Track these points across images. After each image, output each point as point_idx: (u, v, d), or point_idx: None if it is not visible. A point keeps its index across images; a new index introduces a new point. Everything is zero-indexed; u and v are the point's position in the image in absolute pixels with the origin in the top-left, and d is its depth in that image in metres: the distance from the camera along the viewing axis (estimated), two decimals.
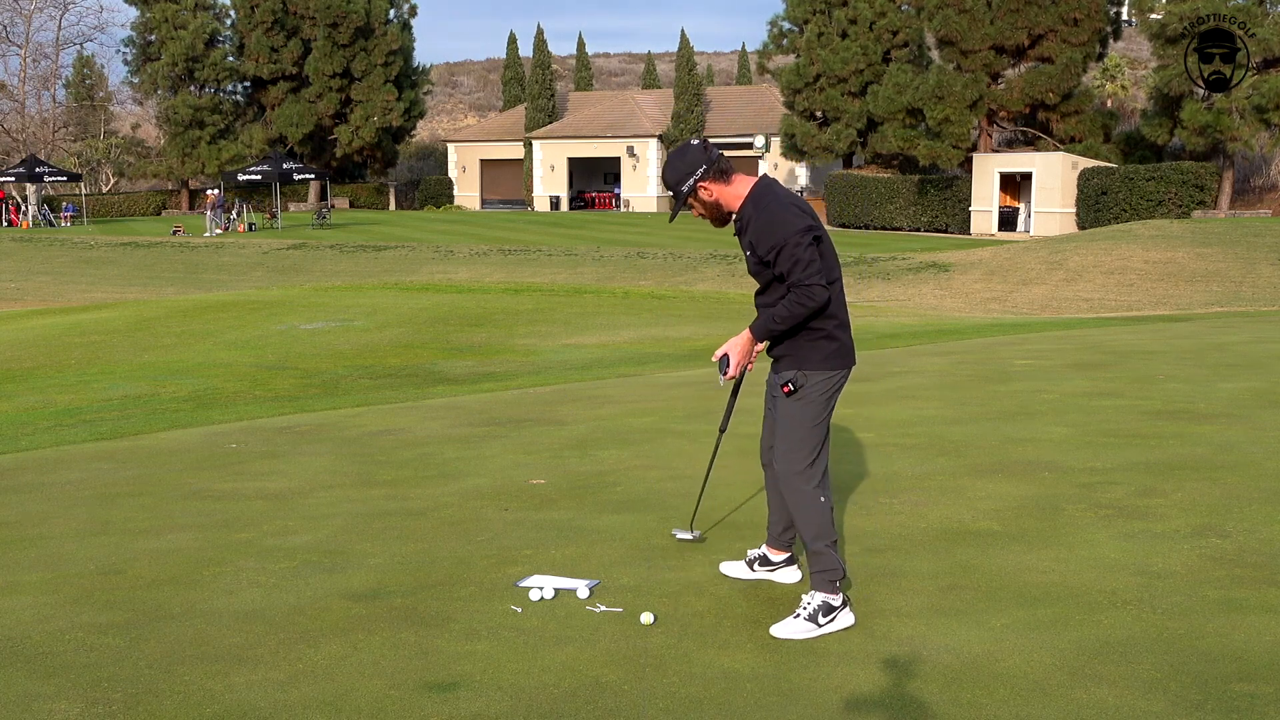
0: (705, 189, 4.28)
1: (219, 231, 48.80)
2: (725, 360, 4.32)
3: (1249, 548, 4.75)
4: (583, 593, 4.46)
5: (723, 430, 4.83)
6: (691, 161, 4.27)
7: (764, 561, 4.62)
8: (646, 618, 4.16)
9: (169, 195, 66.04)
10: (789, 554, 4.63)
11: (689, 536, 5.13)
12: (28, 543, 5.58)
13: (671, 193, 4.32)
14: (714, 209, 4.33)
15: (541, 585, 4.54)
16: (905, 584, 4.48)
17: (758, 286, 4.40)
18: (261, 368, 15.07)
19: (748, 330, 4.28)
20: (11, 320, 22.44)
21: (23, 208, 55.86)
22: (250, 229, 50.49)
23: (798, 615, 4.12)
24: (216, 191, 52.01)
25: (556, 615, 4.28)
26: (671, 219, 4.52)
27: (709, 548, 5.04)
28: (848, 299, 4.44)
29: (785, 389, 4.25)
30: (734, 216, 4.35)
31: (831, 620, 4.10)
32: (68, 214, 56.06)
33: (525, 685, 3.67)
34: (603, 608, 4.32)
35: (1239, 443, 6.72)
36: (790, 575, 4.62)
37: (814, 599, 4.13)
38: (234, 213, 51.85)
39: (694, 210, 4.39)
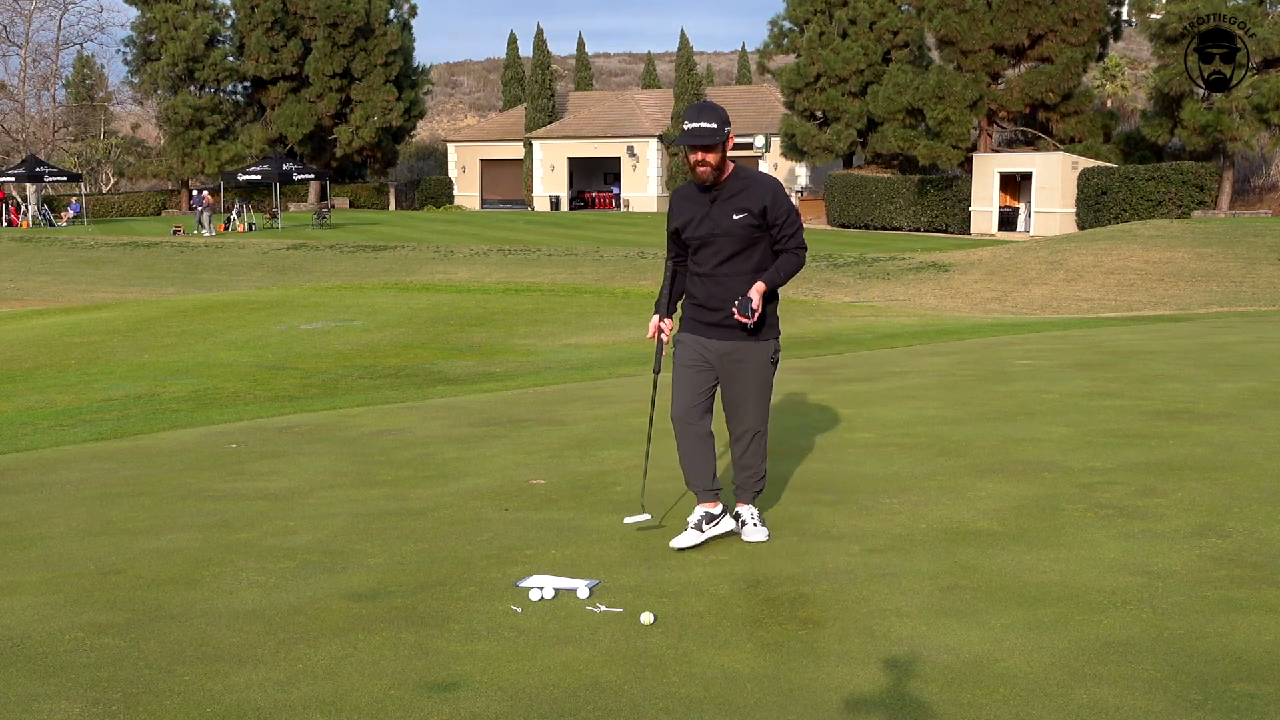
0: (731, 139, 4.72)
1: (209, 233, 48.61)
2: (749, 301, 4.74)
3: (1249, 548, 4.75)
4: (583, 593, 4.46)
5: (657, 371, 5.17)
6: (725, 114, 4.72)
7: (709, 519, 5.06)
8: (646, 618, 4.16)
9: (169, 195, 66.04)
10: (721, 504, 5.11)
11: (640, 519, 5.21)
12: (28, 543, 5.58)
13: (702, 132, 4.62)
14: (721, 164, 4.74)
15: (541, 585, 4.54)
16: (905, 584, 4.48)
17: (715, 260, 4.81)
18: (261, 368, 15.07)
19: (761, 282, 4.79)
20: (11, 320, 22.45)
21: (23, 208, 55.87)
22: (250, 229, 50.50)
23: (757, 525, 5.11)
24: (200, 193, 51.97)
25: (556, 615, 4.28)
26: (689, 148, 4.70)
27: (719, 552, 5.03)
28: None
29: (774, 359, 4.93)
30: (717, 182, 4.77)
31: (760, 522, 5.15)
32: (73, 212, 56.10)
33: (525, 685, 3.67)
34: (603, 608, 4.32)
35: (1239, 443, 6.72)
36: (728, 524, 5.13)
37: (755, 510, 5.15)
38: (234, 213, 51.84)
39: (699, 161, 4.69)
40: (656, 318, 5.04)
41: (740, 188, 4.77)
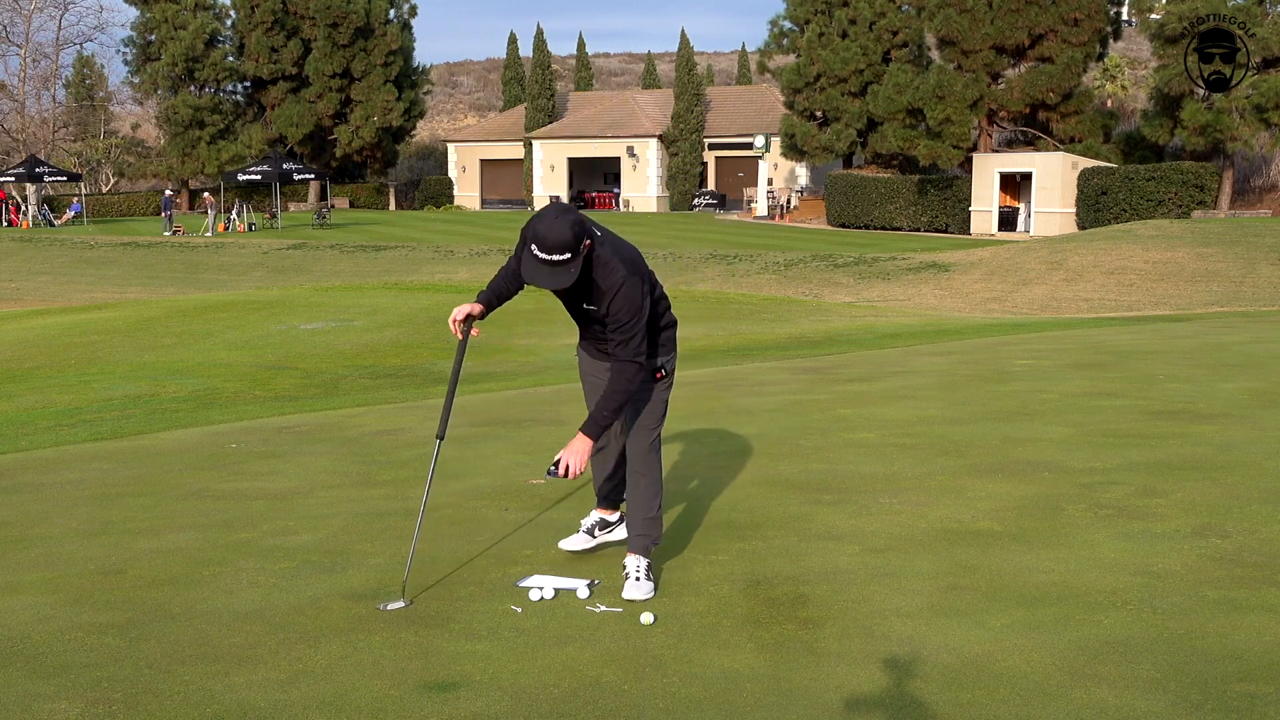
0: (587, 246, 4.30)
1: (174, 231, 48.41)
2: (561, 464, 4.35)
3: (1249, 548, 4.75)
4: (583, 593, 4.46)
5: (441, 437, 4.65)
6: (578, 228, 4.20)
7: (603, 525, 4.97)
8: (646, 618, 4.16)
9: None
10: (619, 512, 4.97)
11: (399, 605, 4.39)
12: (28, 543, 5.58)
13: (558, 273, 4.19)
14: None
15: (541, 585, 4.54)
16: (905, 584, 4.48)
17: (585, 320, 4.57)
18: (261, 368, 15.07)
19: (581, 433, 4.40)
20: (11, 320, 22.44)
21: (23, 208, 55.88)
22: (250, 229, 50.49)
23: (639, 579, 4.44)
24: (182, 193, 51.84)
25: (556, 615, 4.28)
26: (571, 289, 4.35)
27: (719, 552, 5.03)
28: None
29: (659, 375, 4.54)
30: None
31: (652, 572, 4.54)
32: (73, 212, 56.08)
33: (525, 685, 3.67)
34: (603, 608, 4.32)
35: (1239, 443, 6.72)
36: (622, 532, 4.92)
37: (641, 562, 4.49)
38: (235, 213, 51.83)
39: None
40: (465, 307, 4.49)
41: (591, 280, 4.31)
